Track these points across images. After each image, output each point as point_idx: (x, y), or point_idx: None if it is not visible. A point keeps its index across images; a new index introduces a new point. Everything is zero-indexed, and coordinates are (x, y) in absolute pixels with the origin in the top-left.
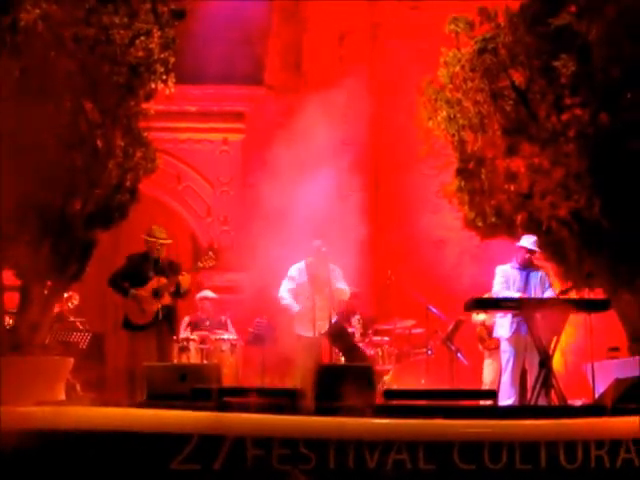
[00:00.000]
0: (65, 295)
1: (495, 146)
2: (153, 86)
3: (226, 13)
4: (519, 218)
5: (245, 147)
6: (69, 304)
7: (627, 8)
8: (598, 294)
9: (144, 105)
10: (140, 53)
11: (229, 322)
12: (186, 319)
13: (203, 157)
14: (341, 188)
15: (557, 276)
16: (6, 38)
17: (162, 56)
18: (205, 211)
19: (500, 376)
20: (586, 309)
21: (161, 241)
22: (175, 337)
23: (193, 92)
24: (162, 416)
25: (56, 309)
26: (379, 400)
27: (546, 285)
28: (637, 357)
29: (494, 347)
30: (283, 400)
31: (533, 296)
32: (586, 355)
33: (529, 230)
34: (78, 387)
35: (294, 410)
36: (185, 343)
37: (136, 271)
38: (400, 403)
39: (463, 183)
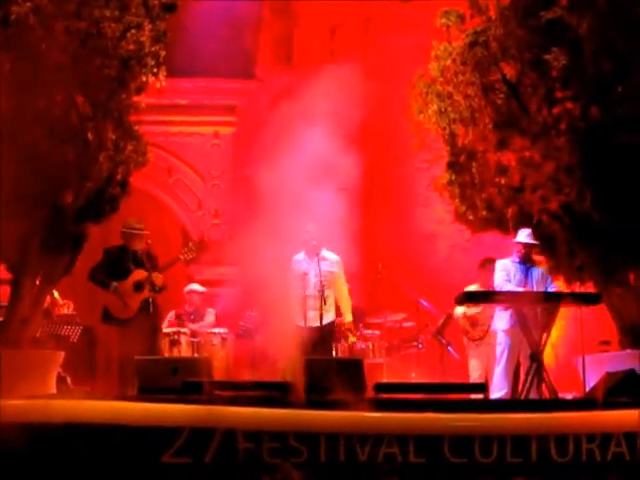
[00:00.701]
0: (60, 302)
1: (486, 140)
2: (144, 79)
3: (217, 6)
4: (510, 212)
5: (236, 140)
6: (64, 310)
7: (618, 1)
8: (589, 287)
9: (135, 98)
10: (131, 46)
11: (212, 314)
12: (172, 313)
13: (194, 150)
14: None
15: (548, 270)
16: None
17: (153, 49)
18: (196, 204)
19: (487, 367)
20: (577, 302)
21: (135, 232)
22: (159, 330)
23: (184, 85)
24: (153, 409)
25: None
26: (370, 394)
27: (548, 281)
28: (628, 350)
29: (479, 337)
30: (274, 393)
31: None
32: (577, 348)
33: (520, 224)
34: (69, 380)
35: (285, 403)
36: (176, 336)
37: (115, 264)
38: (391, 397)
39: (454, 177)
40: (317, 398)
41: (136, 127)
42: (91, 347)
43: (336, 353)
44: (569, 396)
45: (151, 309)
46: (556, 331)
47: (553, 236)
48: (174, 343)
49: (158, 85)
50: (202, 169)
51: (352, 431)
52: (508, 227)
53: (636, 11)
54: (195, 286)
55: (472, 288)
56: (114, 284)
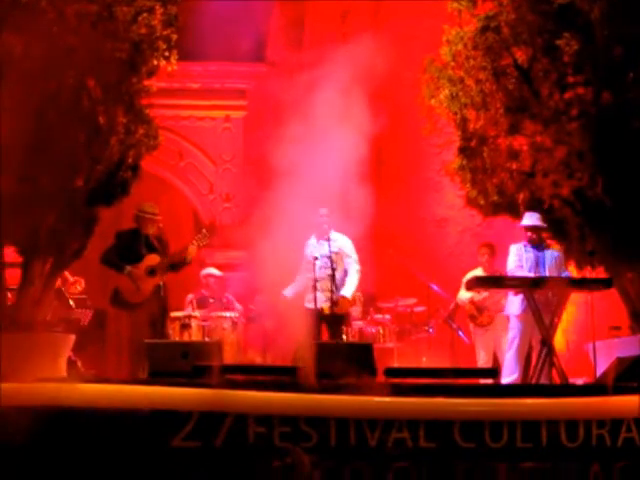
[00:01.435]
0: (71, 279)
1: (497, 124)
2: (155, 63)
3: None
4: (521, 197)
5: (247, 124)
6: (76, 287)
7: None
8: (600, 273)
9: (146, 82)
10: (142, 30)
11: (233, 299)
12: (190, 296)
13: (205, 134)
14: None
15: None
16: (8, 15)
17: (164, 33)
18: (207, 188)
19: (495, 352)
20: (588, 287)
21: (149, 216)
22: (167, 314)
23: (195, 69)
24: (163, 393)
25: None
26: (380, 378)
27: (562, 267)
28: (639, 336)
29: (487, 323)
30: (284, 377)
31: (544, 275)
32: (588, 334)
33: (531, 209)
34: (79, 364)
35: (295, 388)
36: (187, 320)
37: (127, 248)
38: (401, 381)
39: (465, 161)
40: (327, 382)
41: (147, 111)
42: (102, 330)
43: (347, 337)
44: (579, 381)
45: (162, 293)
46: (567, 316)
47: (564, 221)
48: (185, 327)
49: (169, 69)
50: (213, 153)
51: (362, 416)
52: (519, 212)
53: None
54: (212, 270)
55: (475, 273)
56: (128, 268)
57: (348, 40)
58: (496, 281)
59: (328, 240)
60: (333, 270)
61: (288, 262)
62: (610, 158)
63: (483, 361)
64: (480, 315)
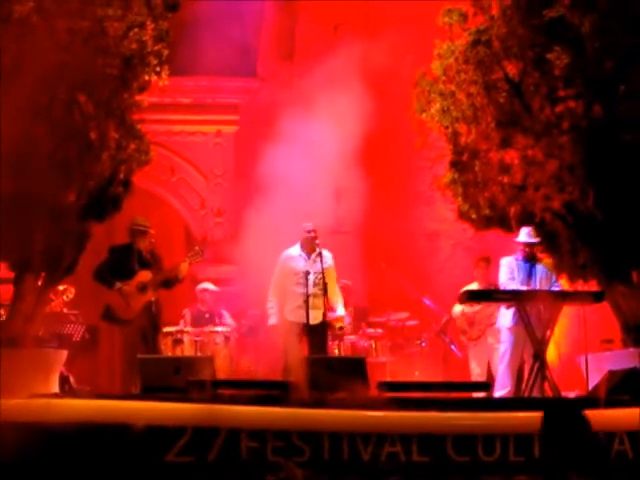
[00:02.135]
0: (60, 288)
1: (489, 138)
2: (147, 78)
3: (219, 5)
4: (513, 210)
5: (238, 139)
6: (64, 297)
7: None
8: (592, 286)
9: (138, 97)
10: (134, 45)
11: (227, 315)
12: (186, 311)
13: (197, 149)
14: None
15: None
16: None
17: (156, 48)
18: (199, 203)
19: (488, 366)
20: (580, 301)
21: (142, 229)
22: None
23: (187, 84)
24: (156, 408)
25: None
26: (373, 392)
27: (552, 279)
28: (631, 349)
29: (477, 337)
30: (277, 392)
31: (536, 289)
32: (580, 347)
33: (523, 222)
34: (72, 379)
35: (288, 402)
36: (179, 335)
37: (120, 263)
38: (394, 395)
39: (457, 175)
40: (320, 397)
41: (139, 126)
42: (94, 346)
43: (339, 352)
44: (572, 394)
45: (153, 309)
46: (559, 329)
47: (556, 234)
48: (177, 342)
49: (161, 84)
50: (205, 168)
51: (355, 430)
52: (511, 225)
53: (638, 9)
54: (208, 285)
55: (471, 287)
56: (118, 284)
57: (339, 54)
58: (487, 295)
59: (320, 256)
60: (325, 286)
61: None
62: (601, 171)
63: (477, 375)
64: (470, 329)
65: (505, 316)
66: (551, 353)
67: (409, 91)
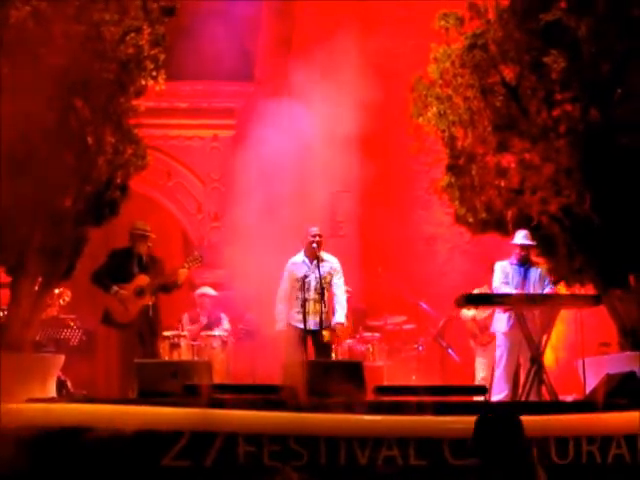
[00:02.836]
0: (56, 291)
1: (485, 142)
2: (143, 83)
3: (216, 9)
4: (509, 214)
5: (235, 143)
6: (60, 301)
7: (616, 3)
8: (589, 289)
9: (134, 102)
10: (130, 50)
11: (225, 319)
12: (185, 316)
13: (194, 153)
14: (331, 184)
15: (548, 271)
16: None
17: (152, 53)
18: (196, 208)
19: (493, 371)
20: (577, 304)
21: (142, 232)
22: (159, 336)
23: (183, 89)
24: (153, 413)
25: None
26: (370, 396)
27: (546, 282)
28: (628, 353)
29: (487, 342)
30: (274, 396)
31: (532, 292)
32: (577, 351)
33: (519, 226)
34: (69, 384)
35: (285, 406)
36: (176, 340)
37: (120, 267)
38: (391, 399)
39: (453, 179)
40: (317, 401)
41: (135, 130)
42: (91, 350)
43: (336, 356)
44: (569, 398)
45: (151, 313)
46: (556, 333)
47: (553, 238)
48: (174, 346)
49: (157, 88)
50: (202, 172)
51: (352, 434)
52: (508, 229)
53: (634, 13)
54: (207, 289)
55: (478, 292)
56: (115, 288)
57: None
58: (487, 298)
59: (320, 261)
60: (323, 291)
61: (276, 281)
62: (598, 175)
63: (482, 379)
64: (482, 334)
65: (500, 321)
66: (548, 357)
67: (405, 95)
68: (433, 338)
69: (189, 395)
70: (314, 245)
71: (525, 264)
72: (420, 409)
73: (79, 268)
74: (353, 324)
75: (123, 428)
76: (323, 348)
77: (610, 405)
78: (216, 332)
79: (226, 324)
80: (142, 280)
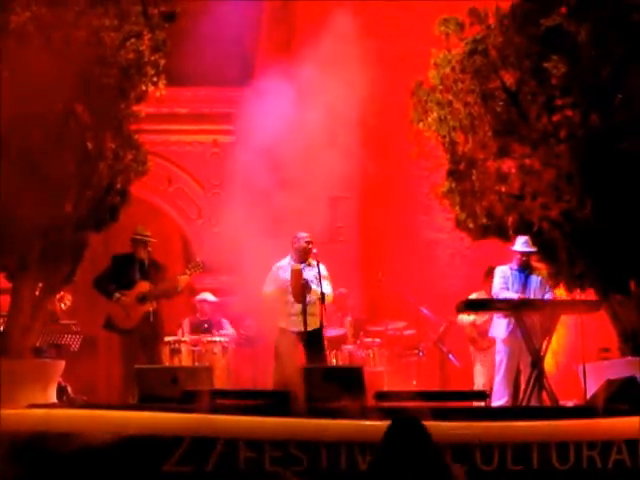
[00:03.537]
0: (57, 295)
1: (486, 147)
2: (144, 88)
3: (216, 15)
4: (510, 219)
5: (235, 148)
6: (61, 305)
7: (617, 8)
8: (589, 295)
9: (135, 107)
10: (131, 55)
11: (227, 323)
12: (186, 321)
13: (194, 159)
14: (331, 189)
15: (548, 277)
16: None
17: (153, 58)
18: (196, 213)
19: (492, 377)
20: (577, 309)
21: (141, 237)
22: (161, 341)
23: (184, 94)
24: (154, 418)
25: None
26: (370, 402)
27: (546, 289)
28: (628, 358)
29: (486, 347)
30: (274, 402)
31: (532, 298)
32: (577, 356)
33: (520, 231)
34: (69, 390)
35: (286, 412)
36: (177, 345)
37: (121, 273)
38: (391, 405)
39: (454, 184)
40: (317, 406)
41: (136, 136)
42: (92, 356)
43: (336, 361)
44: (570, 403)
45: (152, 318)
46: (556, 338)
47: (553, 243)
48: (174, 352)
49: (158, 94)
50: (202, 178)
51: (353, 440)
52: (508, 234)
53: (634, 18)
54: (207, 295)
55: (476, 296)
56: (117, 295)
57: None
58: (487, 304)
59: (314, 265)
60: (323, 295)
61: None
62: (599, 180)
63: (480, 382)
64: (482, 339)
65: (499, 326)
66: (548, 362)
67: (406, 100)
68: (434, 343)
69: (189, 401)
70: (314, 250)
71: (525, 270)
72: (420, 415)
73: (79, 273)
74: (352, 330)
75: (124, 434)
76: (317, 350)
77: (611, 410)
78: (217, 337)
79: (229, 328)
80: (143, 286)
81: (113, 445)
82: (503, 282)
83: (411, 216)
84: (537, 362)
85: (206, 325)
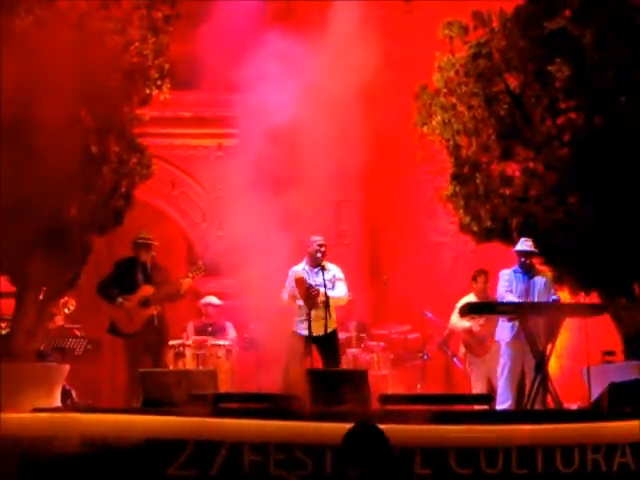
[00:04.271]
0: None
1: (490, 150)
2: (148, 92)
3: (219, 18)
4: (514, 222)
5: (239, 152)
6: (65, 310)
7: (621, 11)
8: (593, 298)
9: (139, 111)
10: (135, 59)
11: (231, 327)
12: (190, 325)
13: (198, 163)
14: (336, 193)
15: (553, 280)
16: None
17: (156, 62)
18: (200, 217)
19: (489, 379)
20: (581, 313)
21: (143, 241)
22: (165, 345)
23: (188, 98)
24: (158, 422)
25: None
26: (375, 405)
27: (551, 291)
28: (632, 361)
29: (484, 353)
30: (279, 405)
31: (537, 301)
32: (582, 359)
33: (524, 234)
34: (74, 393)
35: (290, 415)
36: (181, 349)
37: (125, 277)
38: (396, 408)
39: (458, 188)
40: (322, 410)
41: (140, 140)
42: (96, 360)
43: (341, 365)
44: (574, 407)
45: (156, 322)
46: (561, 341)
47: (557, 246)
48: (179, 355)
49: (162, 98)
50: (206, 181)
51: None
52: (512, 237)
53: (638, 21)
54: (212, 299)
55: (468, 299)
56: (120, 299)
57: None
58: (490, 307)
59: (323, 269)
60: (327, 299)
61: (281, 290)
62: (602, 183)
63: (479, 388)
64: (480, 346)
65: (504, 330)
66: (553, 365)
67: (410, 104)
68: (438, 347)
69: (194, 404)
70: (318, 255)
71: (529, 272)
72: (425, 418)
73: (84, 277)
74: (358, 334)
75: (128, 438)
76: (330, 353)
77: (615, 413)
78: (221, 341)
79: (232, 332)
80: (146, 290)
81: (117, 449)
82: (507, 285)
83: (415, 219)
84: (541, 365)
85: (210, 328)
